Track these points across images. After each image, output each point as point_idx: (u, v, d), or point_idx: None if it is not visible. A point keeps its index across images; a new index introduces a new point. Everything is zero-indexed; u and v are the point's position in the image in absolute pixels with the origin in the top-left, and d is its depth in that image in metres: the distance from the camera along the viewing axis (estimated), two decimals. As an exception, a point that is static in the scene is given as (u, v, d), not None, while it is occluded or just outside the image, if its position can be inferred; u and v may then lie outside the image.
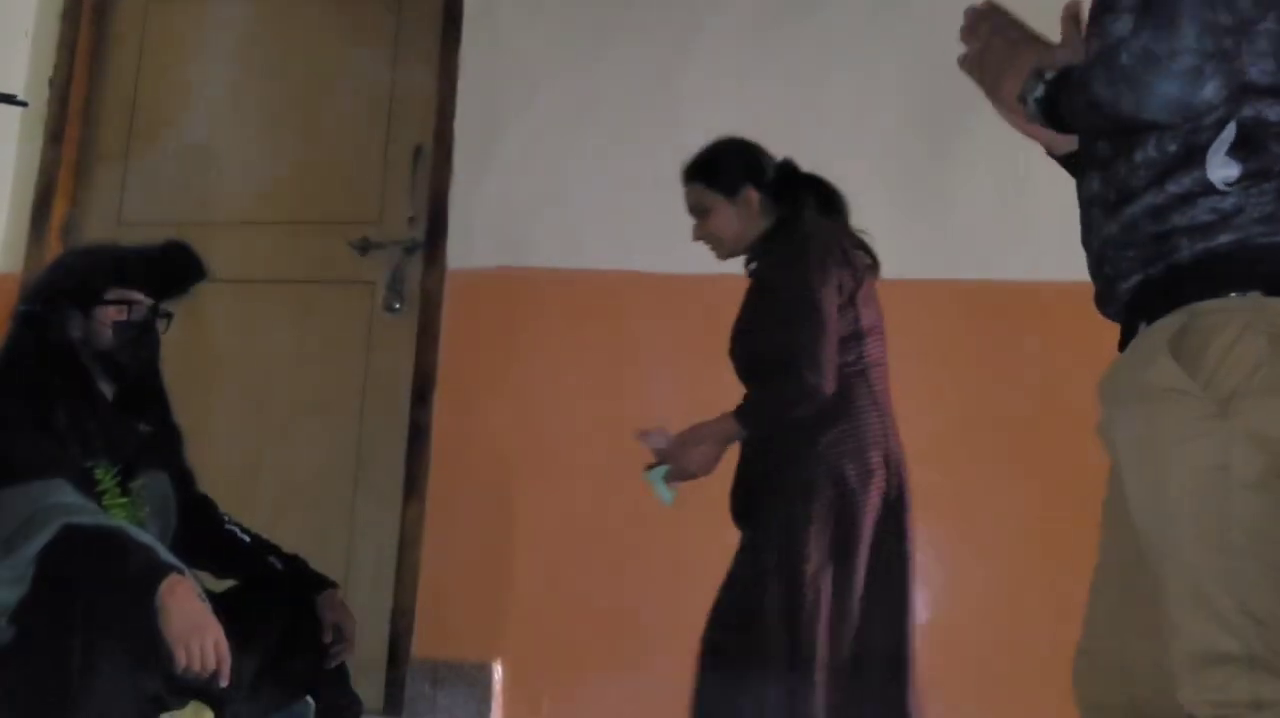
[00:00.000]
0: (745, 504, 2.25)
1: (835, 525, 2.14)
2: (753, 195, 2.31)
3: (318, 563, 2.50)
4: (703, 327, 2.93)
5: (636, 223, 3.00)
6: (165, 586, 1.85)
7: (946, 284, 2.69)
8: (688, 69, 3.05)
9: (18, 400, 2.03)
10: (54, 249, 3.24)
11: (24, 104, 3.23)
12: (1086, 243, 1.47)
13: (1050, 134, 1.46)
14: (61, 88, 3.35)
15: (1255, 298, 1.28)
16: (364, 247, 3.15)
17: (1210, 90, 1.25)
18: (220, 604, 2.24)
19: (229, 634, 1.98)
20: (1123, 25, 1.32)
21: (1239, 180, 1.29)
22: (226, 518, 2.38)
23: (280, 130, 3.32)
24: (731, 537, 2.84)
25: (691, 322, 2.94)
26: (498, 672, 2.85)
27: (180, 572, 1.89)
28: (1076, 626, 1.49)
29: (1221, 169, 1.29)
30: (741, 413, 2.19)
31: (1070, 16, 1.46)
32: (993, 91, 1.45)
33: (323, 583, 2.39)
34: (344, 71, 3.31)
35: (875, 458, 2.17)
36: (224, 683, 1.90)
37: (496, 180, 3.09)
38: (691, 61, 3.06)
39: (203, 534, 2.27)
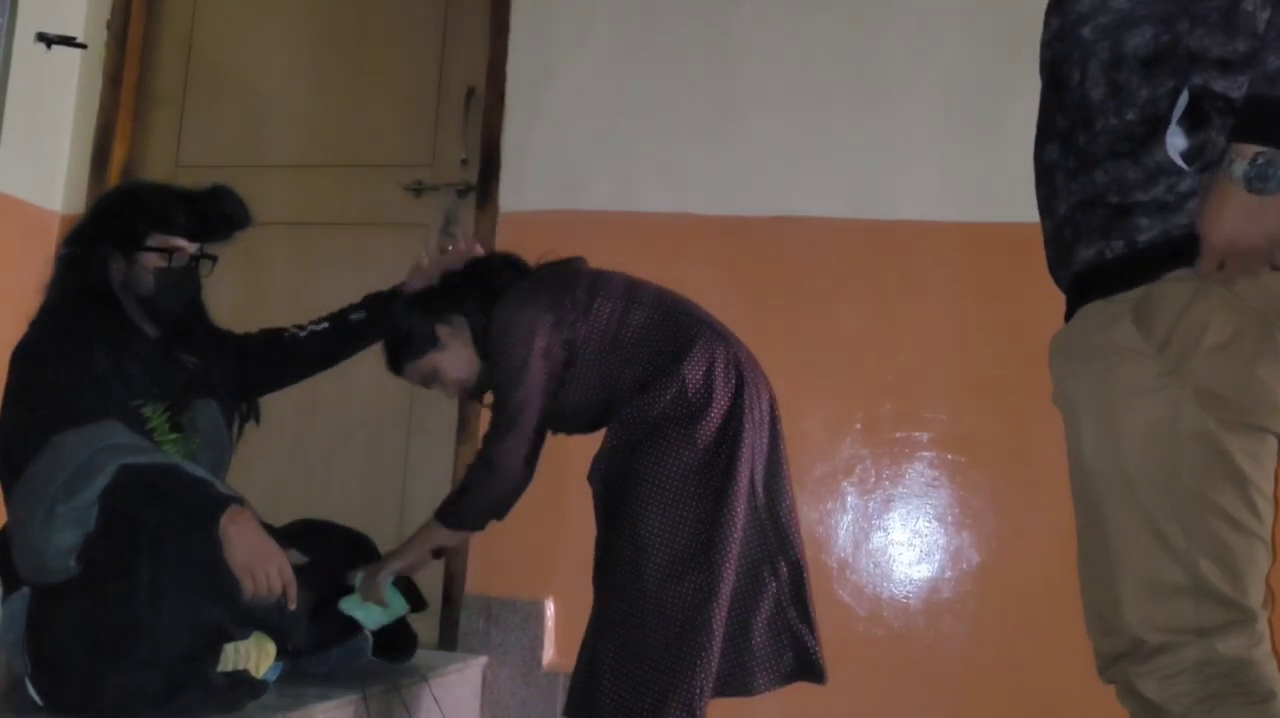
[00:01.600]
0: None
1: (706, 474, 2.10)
2: (448, 330, 2.27)
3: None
4: (756, 268, 2.93)
5: (689, 165, 2.98)
6: (226, 517, 1.89)
7: (1005, 227, 2.65)
8: (743, 10, 3.01)
9: (64, 344, 2.04)
10: (114, 192, 3.28)
11: (83, 46, 3.27)
12: (1046, 209, 1.55)
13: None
14: (119, 31, 3.37)
15: None
16: (417, 189, 3.16)
17: None
18: (279, 538, 2.30)
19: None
20: None
21: (1186, 152, 1.38)
22: (298, 328, 2.49)
23: (334, 73, 3.32)
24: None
25: (745, 263, 2.93)
26: (550, 608, 2.89)
27: (239, 502, 1.93)
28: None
29: (1173, 137, 1.39)
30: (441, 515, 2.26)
31: None
32: (1246, 269, 1.39)
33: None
34: (397, 14, 3.30)
35: (690, 383, 2.13)
36: (291, 607, 1.95)
37: (549, 123, 3.08)
38: (744, 3, 3.01)
39: (272, 356, 2.44)
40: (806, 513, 2.84)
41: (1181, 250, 1.39)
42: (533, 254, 3.04)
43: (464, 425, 3.02)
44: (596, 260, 3.02)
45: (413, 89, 3.25)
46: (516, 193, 3.07)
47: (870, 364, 2.85)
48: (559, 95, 3.08)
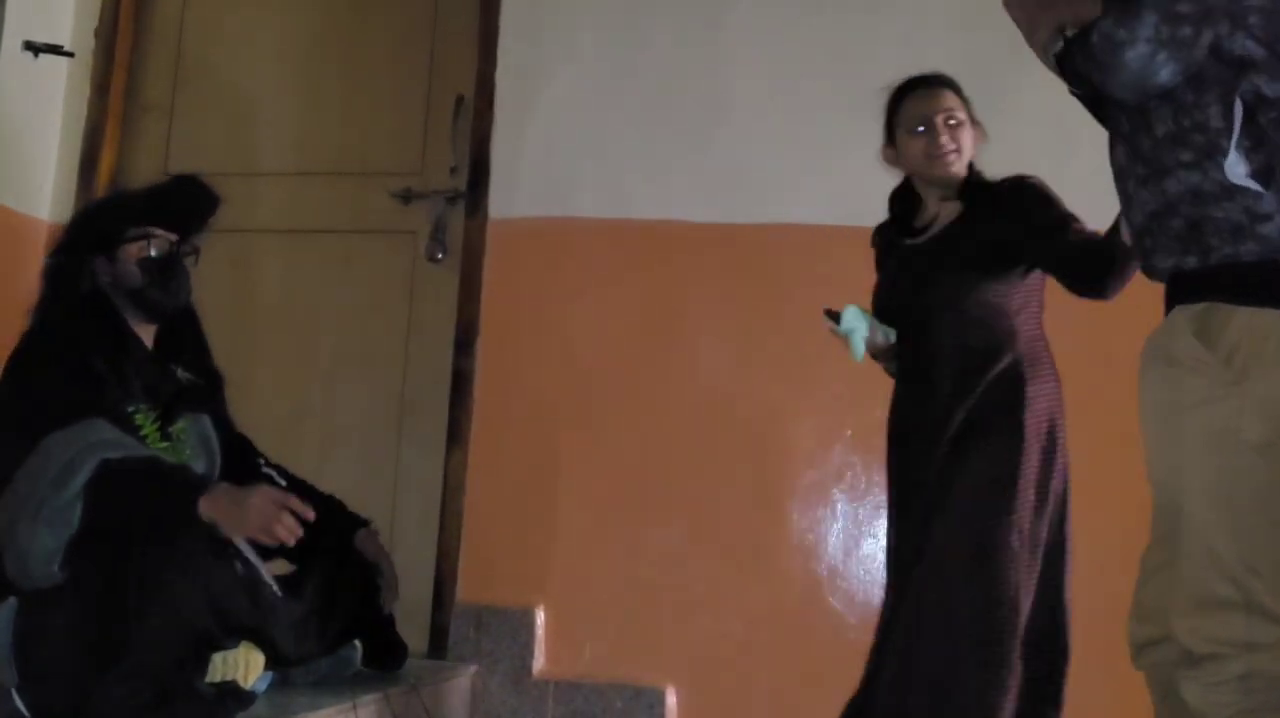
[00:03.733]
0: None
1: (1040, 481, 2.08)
2: (979, 134, 2.25)
3: (363, 509, 2.54)
4: (744, 275, 2.93)
5: (678, 172, 2.99)
6: (203, 504, 1.90)
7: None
8: (732, 17, 3.01)
9: (54, 351, 2.06)
10: (102, 200, 3.28)
11: (70, 55, 3.26)
12: (1126, 215, 1.53)
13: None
14: (107, 38, 3.36)
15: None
16: (406, 197, 3.16)
17: (1165, 74, 1.35)
18: (265, 550, 2.29)
19: (278, 585, 2.03)
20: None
21: (1254, 174, 1.35)
22: (264, 460, 2.41)
23: (323, 81, 3.32)
24: (767, 480, 2.86)
25: (733, 270, 2.93)
26: (540, 617, 2.89)
27: (213, 480, 1.94)
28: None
29: (1235, 165, 1.37)
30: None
31: None
32: (1029, 36, 1.50)
33: (357, 522, 2.43)
34: (386, 21, 3.30)
35: (1059, 422, 2.11)
36: (310, 516, 1.96)
37: (538, 130, 3.08)
38: (733, 12, 3.02)
39: (240, 476, 2.31)
40: (797, 521, 2.85)
41: (1248, 279, 1.38)
42: (521, 261, 3.06)
43: (454, 430, 3.02)
44: (584, 267, 3.03)
45: (402, 97, 3.25)
46: (506, 200, 3.07)
47: (860, 372, 2.84)
48: (548, 103, 3.08)
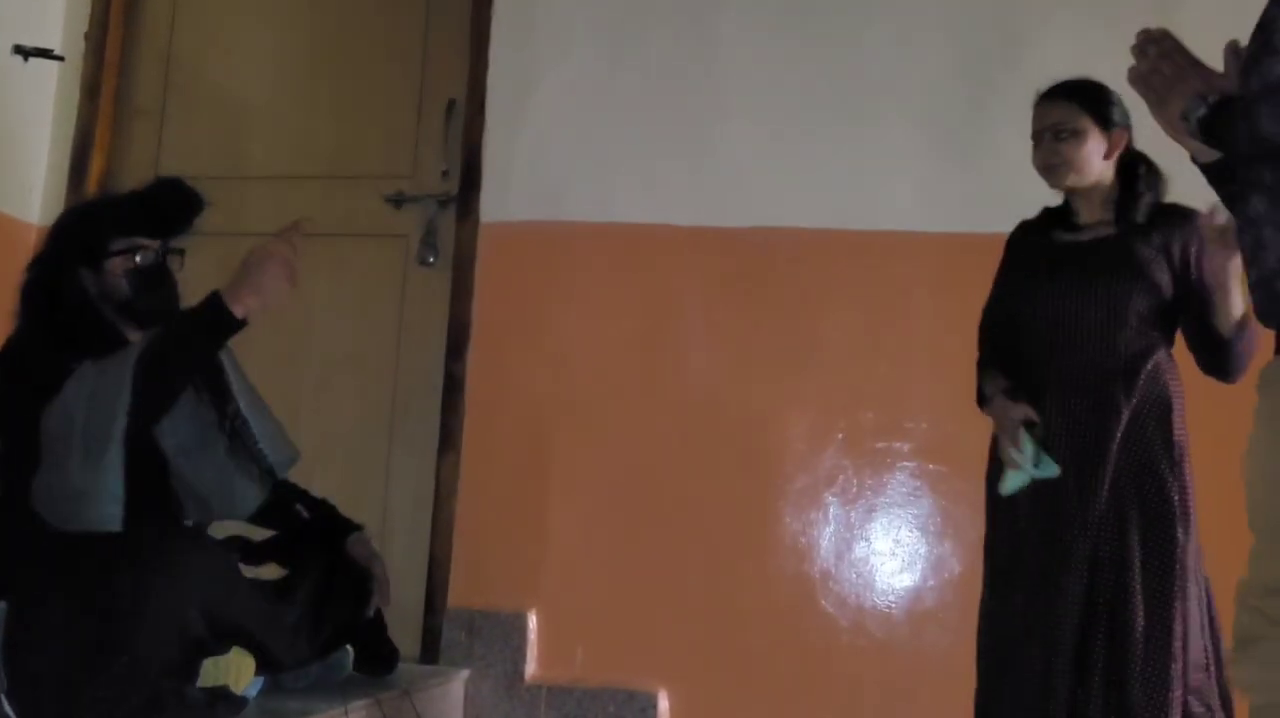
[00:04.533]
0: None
1: None
2: (1123, 139, 2.21)
3: (355, 514, 2.54)
4: (736, 279, 2.93)
5: (670, 175, 2.99)
6: (234, 308, 1.95)
7: (985, 237, 2.65)
8: (724, 21, 3.02)
9: (43, 348, 2.04)
10: (92, 204, 3.27)
11: (60, 58, 3.25)
12: (1255, 259, 1.50)
13: (1198, 145, 1.55)
14: (97, 42, 3.35)
15: None
16: (398, 200, 3.16)
17: None
18: (258, 556, 2.29)
19: (268, 592, 2.02)
20: None
21: None
22: None
23: (314, 84, 3.32)
24: (758, 483, 2.86)
25: (725, 274, 2.93)
26: (532, 621, 2.88)
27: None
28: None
29: None
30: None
31: (1233, 51, 1.53)
32: (1158, 107, 1.54)
33: (350, 527, 2.43)
34: (378, 25, 3.30)
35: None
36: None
37: (530, 134, 3.08)
38: (726, 15, 3.02)
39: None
40: (789, 524, 2.85)
41: None
42: (513, 264, 3.06)
43: (446, 435, 3.01)
44: (576, 270, 3.03)
45: (393, 100, 3.25)
46: (497, 204, 3.07)
47: (851, 375, 2.86)
48: (540, 107, 3.08)
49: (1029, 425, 2.14)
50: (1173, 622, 2.04)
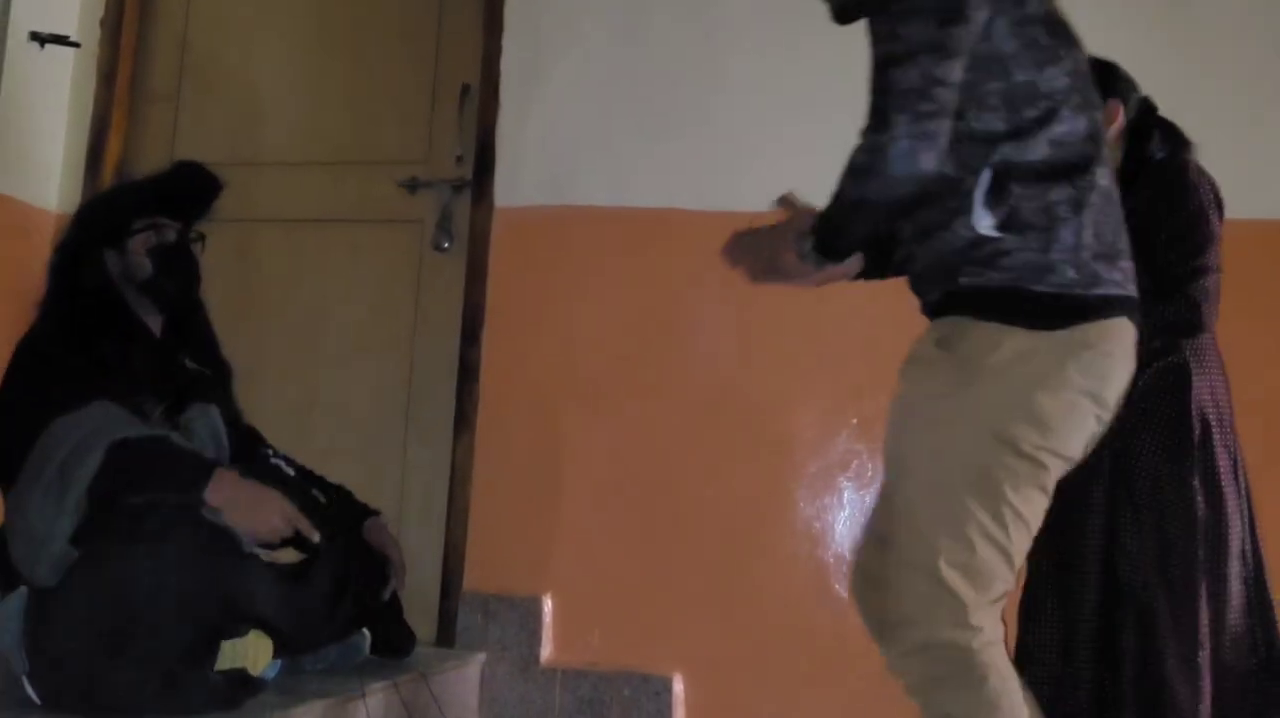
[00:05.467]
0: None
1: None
2: (1117, 110, 2.19)
3: (371, 499, 2.55)
4: (750, 264, 2.92)
5: (682, 159, 2.98)
6: (211, 487, 1.92)
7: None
8: (732, 6, 3.01)
9: (62, 340, 2.07)
10: (109, 190, 3.28)
11: (76, 44, 3.26)
12: (908, 267, 1.75)
13: (842, 269, 1.79)
14: (112, 28, 3.36)
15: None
16: (412, 185, 3.16)
17: (925, 161, 1.54)
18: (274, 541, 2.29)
19: (286, 576, 2.04)
20: None
21: (998, 228, 1.57)
22: (272, 451, 2.42)
23: (329, 70, 3.32)
24: (773, 468, 2.86)
25: (739, 259, 2.93)
26: (547, 605, 2.90)
27: (223, 465, 1.96)
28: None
29: (981, 219, 1.57)
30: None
31: (789, 200, 1.80)
32: (779, 274, 1.74)
33: (366, 512, 2.45)
34: (392, 10, 3.30)
35: (1227, 415, 2.10)
36: (315, 539, 2.02)
37: (543, 118, 3.08)
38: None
39: (248, 467, 2.32)
40: (804, 508, 2.85)
41: (988, 301, 1.58)
42: (527, 249, 3.06)
43: (461, 419, 3.02)
44: (589, 254, 3.03)
45: (407, 85, 3.25)
46: (511, 188, 3.07)
47: (865, 359, 2.85)
48: (552, 91, 3.08)
49: None
50: (1198, 609, 2.02)
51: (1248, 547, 2.10)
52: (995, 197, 1.58)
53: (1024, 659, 2.13)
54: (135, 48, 3.42)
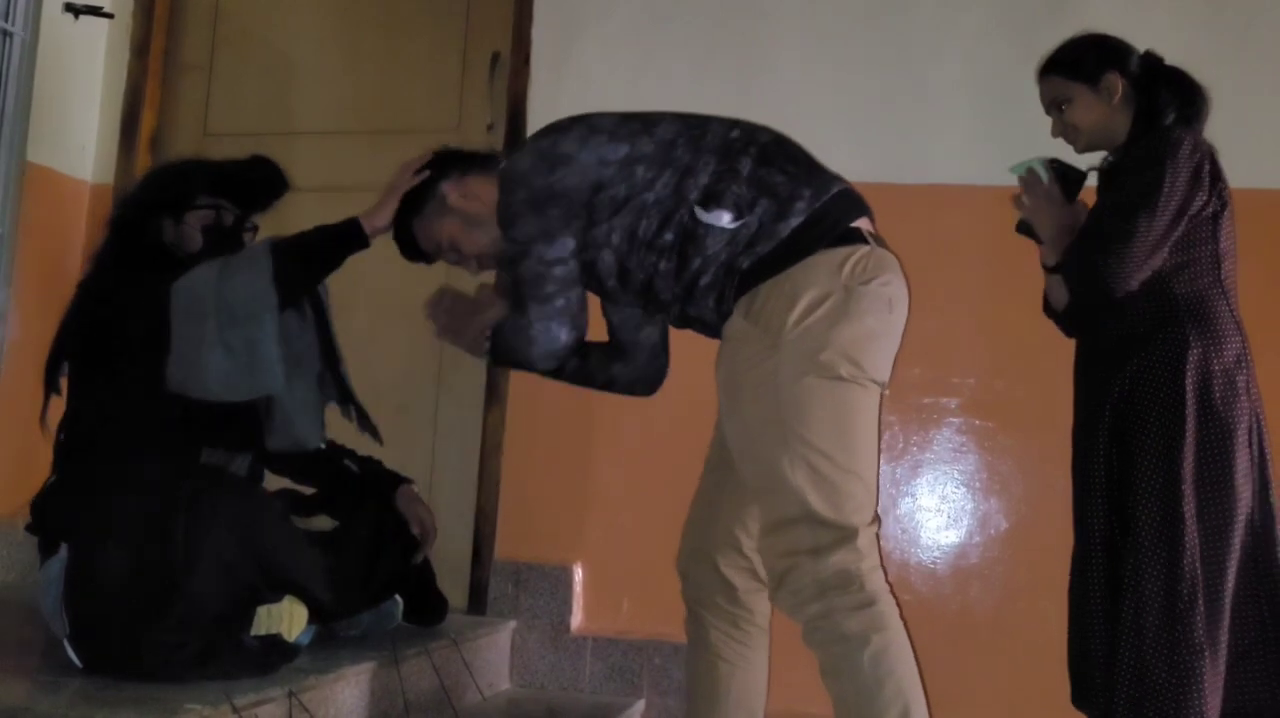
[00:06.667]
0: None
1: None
2: (1116, 81, 2.20)
3: (404, 467, 2.57)
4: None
5: (716, 128, 2.95)
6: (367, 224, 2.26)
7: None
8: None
9: (123, 277, 2.14)
10: (143, 160, 3.30)
11: (110, 16, 3.27)
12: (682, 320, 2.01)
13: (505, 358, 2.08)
14: (146, 0, 3.37)
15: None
16: (443, 155, 3.15)
17: (562, 335, 1.90)
18: (308, 508, 2.32)
19: (320, 543, 2.06)
20: None
21: (734, 219, 1.83)
22: None
23: (360, 39, 3.32)
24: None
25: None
26: (578, 573, 2.91)
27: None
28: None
29: (715, 221, 1.83)
30: (1060, 268, 2.19)
31: (496, 287, 2.14)
32: (455, 339, 2.17)
33: (398, 479, 2.46)
34: (421, -22, 3.29)
35: (1240, 381, 2.06)
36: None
37: (574, 87, 3.06)
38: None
39: None
40: (834, 478, 2.84)
41: (766, 263, 1.81)
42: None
43: (492, 388, 3.03)
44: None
45: (438, 54, 3.24)
46: (542, 158, 3.05)
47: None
48: (583, 58, 3.06)
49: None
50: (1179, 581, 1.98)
51: (1256, 515, 2.05)
52: (713, 202, 1.83)
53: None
54: (168, 19, 3.43)
